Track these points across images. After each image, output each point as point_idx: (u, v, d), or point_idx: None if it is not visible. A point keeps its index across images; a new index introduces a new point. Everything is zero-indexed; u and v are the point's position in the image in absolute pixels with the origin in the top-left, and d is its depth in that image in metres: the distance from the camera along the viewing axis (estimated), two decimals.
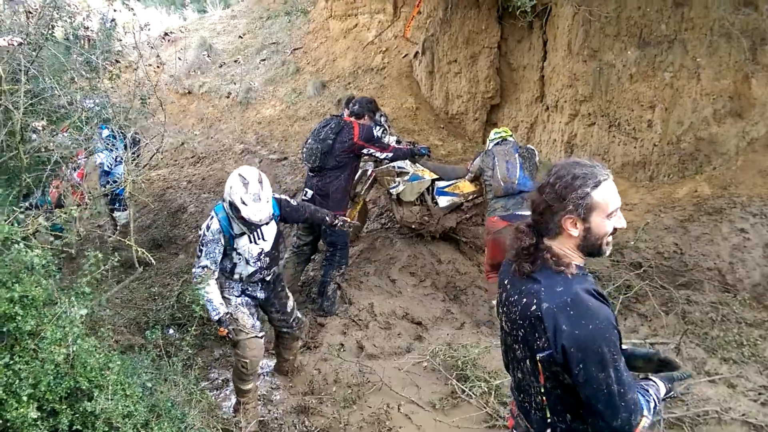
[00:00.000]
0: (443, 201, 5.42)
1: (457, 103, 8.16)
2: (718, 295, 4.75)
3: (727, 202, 5.36)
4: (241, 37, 11.30)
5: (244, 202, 3.21)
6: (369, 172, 5.50)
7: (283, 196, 3.77)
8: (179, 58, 10.39)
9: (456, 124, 8.26)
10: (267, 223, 3.40)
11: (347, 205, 4.97)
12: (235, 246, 3.43)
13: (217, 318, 3.43)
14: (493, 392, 3.78)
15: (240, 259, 3.49)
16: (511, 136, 4.97)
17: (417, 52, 8.45)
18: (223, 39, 11.84)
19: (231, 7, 13.47)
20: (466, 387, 3.83)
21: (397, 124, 7.92)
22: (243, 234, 3.43)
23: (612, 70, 6.33)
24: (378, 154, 4.81)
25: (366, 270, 5.35)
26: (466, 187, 5.41)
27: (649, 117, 6.12)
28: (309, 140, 4.77)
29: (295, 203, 3.84)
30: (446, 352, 4.05)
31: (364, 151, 4.73)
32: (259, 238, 3.49)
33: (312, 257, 5.19)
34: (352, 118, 4.83)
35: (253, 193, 3.22)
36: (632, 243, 5.53)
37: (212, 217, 3.43)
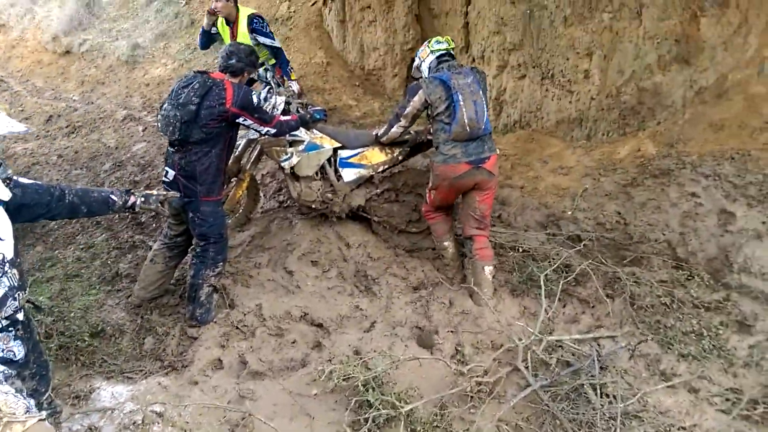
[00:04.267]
0: (349, 174, 4.46)
1: (373, 57, 7.15)
2: (670, 273, 4.06)
3: (675, 162, 4.65)
4: None
5: None
6: (254, 142, 4.47)
7: (8, 171, 2.34)
8: None
9: (373, 80, 7.27)
10: None
11: (222, 188, 3.92)
12: None
13: None
14: (402, 421, 2.93)
15: None
16: (453, 48, 4.14)
17: None
18: None
19: None
20: (370, 414, 2.96)
21: (306, 82, 6.87)
22: None
23: (544, 13, 5.47)
24: (258, 128, 3.77)
25: (257, 261, 4.37)
26: (375, 156, 4.47)
27: (585, 66, 5.32)
28: (165, 105, 3.65)
29: (30, 182, 2.45)
30: (342, 369, 3.15)
31: (240, 120, 3.66)
32: None
33: (188, 250, 4.15)
34: (226, 76, 3.75)
35: None
36: (569, 213, 4.78)
37: None
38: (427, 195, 4.14)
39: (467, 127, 3.78)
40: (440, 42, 4.06)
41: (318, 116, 4.21)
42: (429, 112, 3.97)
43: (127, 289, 4.26)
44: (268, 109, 4.09)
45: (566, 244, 4.49)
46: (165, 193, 2.99)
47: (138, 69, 8.25)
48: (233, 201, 4.62)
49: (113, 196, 2.72)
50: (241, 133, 4.36)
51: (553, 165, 5.26)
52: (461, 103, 3.76)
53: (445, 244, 4.22)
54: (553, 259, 4.22)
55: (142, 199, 2.84)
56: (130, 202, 2.80)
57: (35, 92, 8.75)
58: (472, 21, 6.25)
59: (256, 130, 3.82)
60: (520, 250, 4.33)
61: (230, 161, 4.58)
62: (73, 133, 7.41)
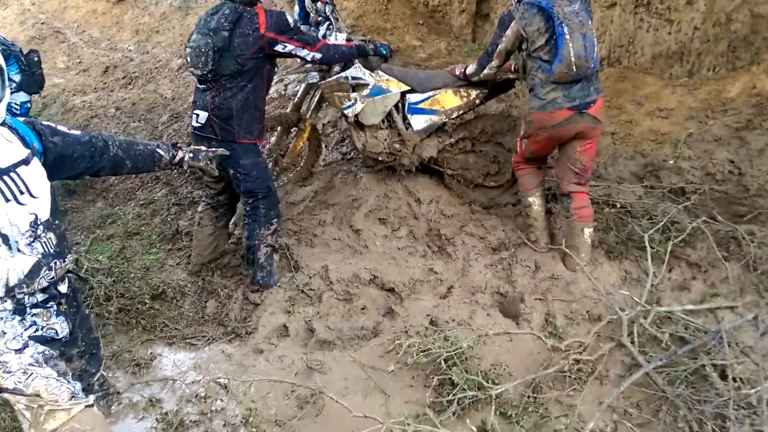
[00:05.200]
0: (419, 122, 4.00)
1: None
2: None
3: None
4: None
5: None
6: (314, 87, 4.06)
7: (44, 122, 2.03)
8: None
9: (438, 18, 6.66)
10: (26, 163, 1.80)
11: (263, 133, 3.54)
12: None
13: None
14: (492, 404, 2.59)
15: None
16: None
17: None
18: None
19: None
20: (454, 394, 2.62)
21: (365, 23, 6.36)
22: None
23: None
24: (300, 52, 3.30)
25: (321, 218, 4.04)
26: (448, 100, 3.96)
27: None
28: (193, 35, 3.27)
29: (74, 132, 2.09)
30: (421, 344, 2.80)
31: (279, 48, 3.23)
32: (21, 191, 1.78)
33: (235, 206, 3.85)
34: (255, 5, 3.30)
35: None
36: (671, 162, 4.20)
37: None
38: (518, 144, 3.63)
39: (574, 67, 3.16)
40: None
41: (383, 51, 3.72)
42: (523, 47, 3.38)
43: (187, 248, 4.04)
44: (319, 34, 3.70)
45: (668, 198, 3.95)
46: (215, 149, 2.63)
47: (191, 15, 7.89)
48: (294, 153, 4.27)
49: (159, 150, 2.38)
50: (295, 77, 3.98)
51: (649, 107, 4.63)
52: (567, 37, 3.12)
53: (530, 199, 3.70)
54: (656, 216, 3.70)
55: (191, 155, 2.49)
56: (177, 158, 2.46)
57: (91, 43, 8.59)
58: None
59: (299, 57, 3.36)
60: (617, 205, 3.81)
61: (290, 109, 4.22)
62: (129, 84, 7.23)
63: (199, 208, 3.75)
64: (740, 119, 4.16)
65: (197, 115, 3.36)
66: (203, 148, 2.59)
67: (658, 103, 4.63)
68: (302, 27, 4.16)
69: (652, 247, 3.37)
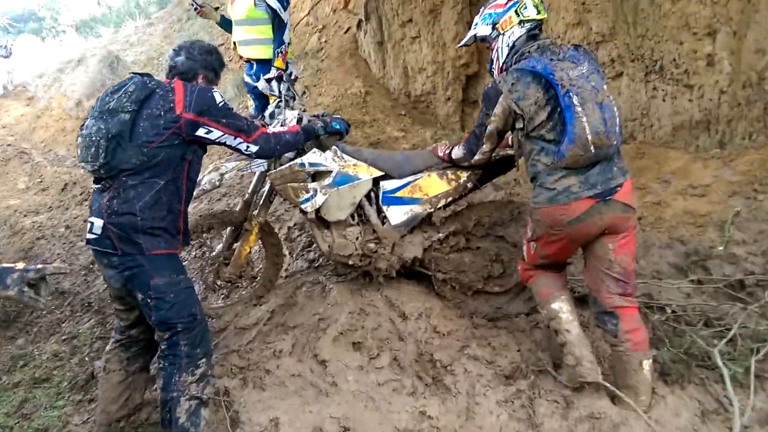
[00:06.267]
0: (397, 214, 3.17)
1: (420, 80, 5.98)
2: None
3: None
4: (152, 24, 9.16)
5: None
6: (261, 177, 3.29)
7: None
8: None
9: (422, 108, 6.09)
10: None
11: (184, 240, 2.63)
12: None
13: None
14: None
15: None
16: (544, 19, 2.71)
17: (360, 20, 6.32)
18: (136, 50, 9.76)
19: (149, 16, 11.41)
20: None
21: (342, 116, 5.75)
22: None
23: None
24: (231, 141, 2.53)
25: (277, 347, 3.08)
26: (432, 185, 3.15)
27: (708, 50, 3.96)
28: (86, 120, 2.48)
29: None
30: None
31: (202, 132, 2.44)
32: None
33: (155, 343, 2.84)
34: (174, 80, 2.58)
35: None
36: (720, 248, 3.33)
37: None
38: (525, 248, 2.76)
39: (592, 146, 2.35)
40: (530, 7, 2.58)
41: (337, 126, 3.00)
42: (518, 126, 2.58)
43: None
44: (277, 117, 3.01)
45: (724, 295, 3.03)
46: (40, 267, 1.74)
47: None
48: (239, 261, 3.38)
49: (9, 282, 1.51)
50: (234, 164, 3.21)
51: (678, 185, 3.84)
52: (579, 108, 2.34)
53: (555, 306, 2.68)
54: (717, 321, 2.77)
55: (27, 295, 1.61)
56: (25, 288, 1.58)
57: (56, 161, 8.07)
58: None
59: (231, 148, 2.58)
60: (666, 310, 2.88)
61: (239, 207, 3.41)
62: (87, 200, 6.55)
63: (107, 348, 2.80)
64: None
65: (91, 223, 2.46)
66: (20, 266, 1.71)
67: (689, 179, 3.85)
68: (257, 121, 3.48)
69: (728, 368, 2.40)
